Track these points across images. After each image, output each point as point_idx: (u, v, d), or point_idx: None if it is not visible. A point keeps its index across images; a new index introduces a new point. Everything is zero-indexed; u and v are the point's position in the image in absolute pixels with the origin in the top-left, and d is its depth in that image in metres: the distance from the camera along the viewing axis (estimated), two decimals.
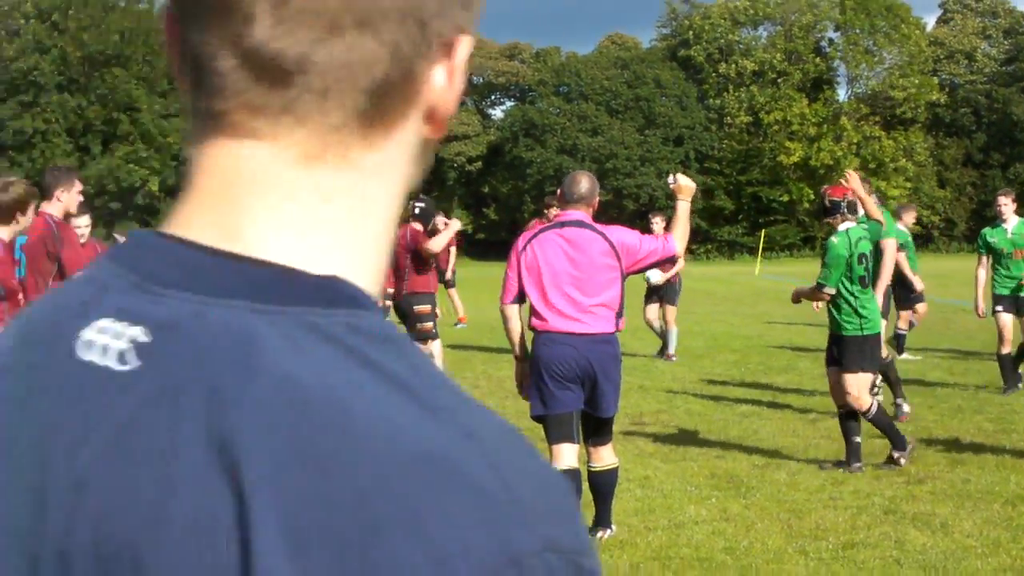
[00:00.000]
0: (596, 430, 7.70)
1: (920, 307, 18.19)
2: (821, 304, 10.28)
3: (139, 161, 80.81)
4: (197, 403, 0.78)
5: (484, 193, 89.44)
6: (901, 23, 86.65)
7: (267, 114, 0.85)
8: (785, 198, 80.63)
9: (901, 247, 14.72)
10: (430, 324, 13.55)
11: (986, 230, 14.86)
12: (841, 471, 9.66)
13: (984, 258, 14.72)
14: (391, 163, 0.90)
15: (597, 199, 7.82)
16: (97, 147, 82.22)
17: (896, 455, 9.74)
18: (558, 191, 7.89)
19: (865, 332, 9.79)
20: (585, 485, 7.69)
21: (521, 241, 7.69)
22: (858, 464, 9.67)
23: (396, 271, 13.36)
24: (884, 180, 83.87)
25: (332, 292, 0.84)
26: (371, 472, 0.75)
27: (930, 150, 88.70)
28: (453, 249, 24.26)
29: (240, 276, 0.83)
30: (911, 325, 18.68)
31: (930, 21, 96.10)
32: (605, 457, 7.74)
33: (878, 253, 10.64)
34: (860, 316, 9.77)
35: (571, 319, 7.46)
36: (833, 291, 9.71)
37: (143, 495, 0.77)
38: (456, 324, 24.93)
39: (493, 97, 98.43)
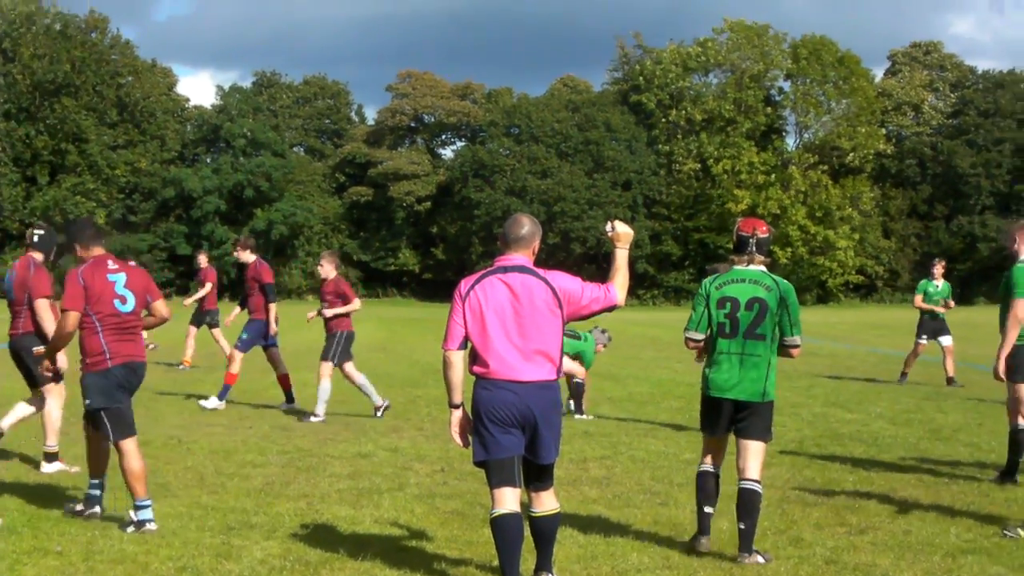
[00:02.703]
0: (538, 475, 7.65)
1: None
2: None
3: (86, 193, 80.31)
4: None
5: (432, 233, 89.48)
6: (851, 75, 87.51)
7: None
8: (732, 245, 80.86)
9: None
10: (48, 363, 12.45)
11: None
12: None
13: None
14: None
15: (538, 242, 7.75)
16: (44, 178, 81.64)
17: None
18: (500, 233, 7.84)
19: (702, 391, 8.94)
20: (527, 530, 7.65)
21: (464, 286, 7.64)
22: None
23: (12, 307, 12.09)
24: (831, 229, 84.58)
25: None
26: None
27: (876, 200, 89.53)
28: (209, 285, 23.80)
29: None
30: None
31: (879, 73, 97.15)
32: (547, 502, 7.69)
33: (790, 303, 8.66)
34: (702, 377, 8.95)
35: (512, 366, 7.43)
36: (696, 336, 8.83)
37: None
38: (179, 365, 24.39)
39: (444, 137, 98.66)
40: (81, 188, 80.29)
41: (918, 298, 22.71)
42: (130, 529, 9.23)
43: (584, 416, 16.70)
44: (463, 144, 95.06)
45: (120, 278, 9.63)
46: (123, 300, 9.58)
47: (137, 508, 9.37)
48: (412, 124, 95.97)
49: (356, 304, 16.85)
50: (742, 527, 8.53)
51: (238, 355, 17.83)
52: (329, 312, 16.74)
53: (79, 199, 79.52)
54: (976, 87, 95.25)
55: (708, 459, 8.91)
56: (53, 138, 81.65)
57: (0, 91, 79.86)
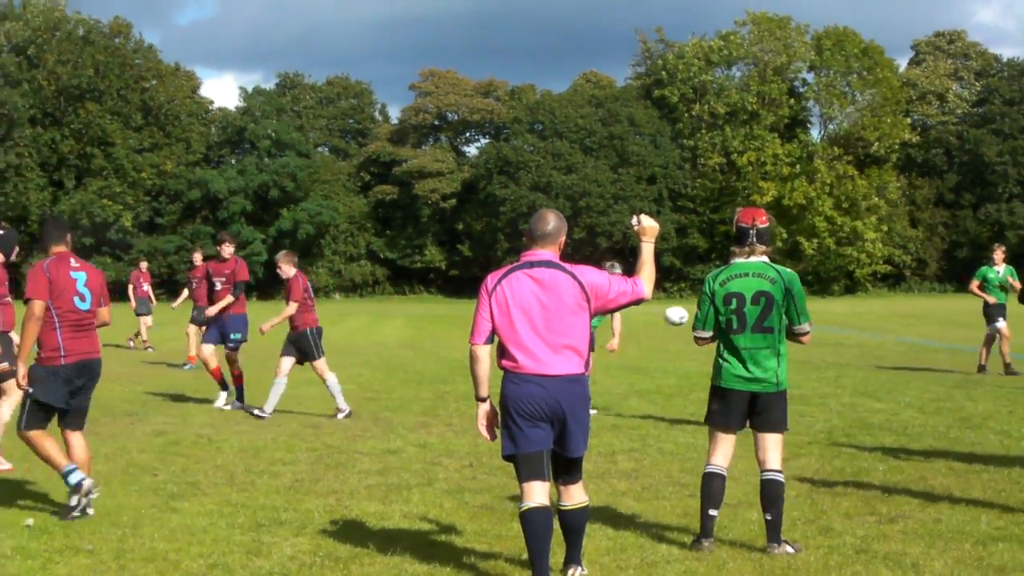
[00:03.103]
0: (566, 469, 7.64)
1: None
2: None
3: (113, 196, 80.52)
4: None
5: (458, 230, 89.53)
6: (875, 65, 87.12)
7: None
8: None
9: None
10: (5, 364, 11.87)
11: None
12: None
13: None
14: None
15: (564, 237, 7.73)
16: (71, 182, 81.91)
17: None
18: (525, 229, 7.83)
19: (713, 383, 8.84)
20: (556, 524, 7.64)
21: (491, 281, 7.63)
22: None
23: None
24: (858, 219, 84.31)
25: None
26: None
27: (902, 190, 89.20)
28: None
29: None
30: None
31: (903, 62, 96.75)
32: (576, 496, 7.68)
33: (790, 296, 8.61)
34: (713, 368, 8.88)
35: (541, 360, 7.42)
36: (704, 334, 8.78)
37: None
38: (184, 365, 24.48)
39: (468, 134, 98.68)
40: (107, 191, 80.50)
41: (975, 284, 22.20)
42: (75, 498, 9.67)
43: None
44: (487, 141, 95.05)
45: (81, 276, 10.06)
46: (82, 298, 10.01)
47: (65, 476, 9.75)
48: (436, 122, 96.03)
49: (289, 309, 16.69)
50: (768, 518, 8.48)
51: (234, 355, 17.99)
52: (266, 326, 16.80)
53: (106, 202, 79.75)
54: (1001, 75, 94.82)
55: (717, 457, 8.74)
56: (79, 142, 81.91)
57: (26, 97, 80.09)
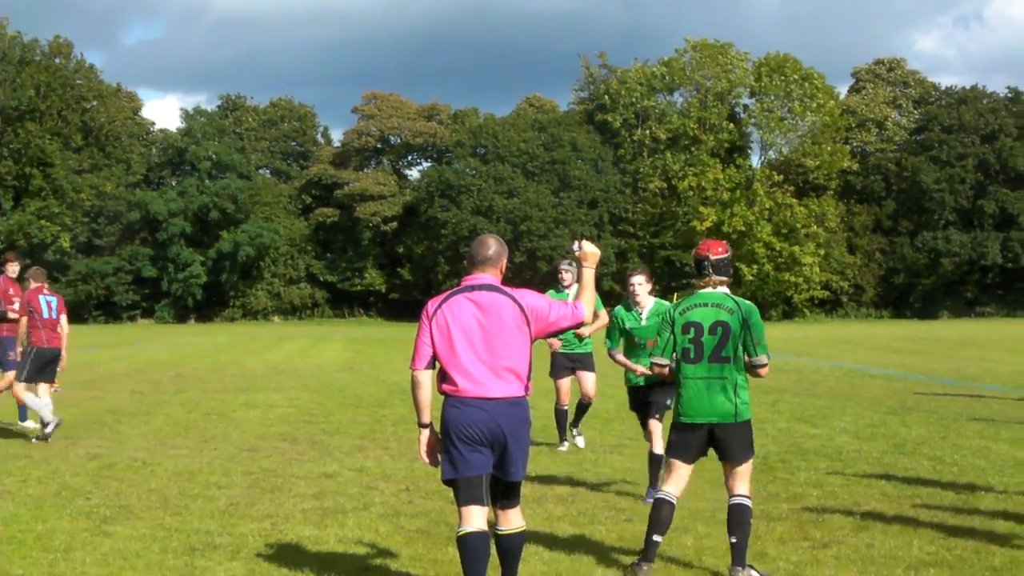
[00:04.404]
0: (505, 493, 7.64)
1: None
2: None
3: (51, 217, 79.86)
4: None
5: (399, 253, 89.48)
6: (816, 92, 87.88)
7: None
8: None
9: None
10: None
11: None
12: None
13: None
14: None
15: (505, 261, 7.77)
16: (8, 202, 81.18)
17: None
18: (466, 254, 7.84)
19: (674, 416, 8.89)
20: (493, 548, 7.64)
21: (431, 305, 7.64)
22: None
23: None
24: (796, 245, 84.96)
25: None
26: None
27: (841, 216, 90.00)
28: None
29: None
30: None
31: (843, 90, 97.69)
32: (513, 520, 7.68)
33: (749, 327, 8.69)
34: (675, 400, 8.89)
35: (481, 383, 7.43)
36: (662, 361, 8.83)
37: None
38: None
39: (410, 158, 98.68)
40: (46, 212, 79.91)
41: None
42: None
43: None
44: (429, 165, 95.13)
45: None
46: None
47: None
48: (378, 145, 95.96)
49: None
50: (734, 540, 8.49)
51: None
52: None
53: (44, 223, 79.15)
54: (939, 103, 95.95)
55: (670, 485, 8.78)
56: (17, 163, 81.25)
57: None
